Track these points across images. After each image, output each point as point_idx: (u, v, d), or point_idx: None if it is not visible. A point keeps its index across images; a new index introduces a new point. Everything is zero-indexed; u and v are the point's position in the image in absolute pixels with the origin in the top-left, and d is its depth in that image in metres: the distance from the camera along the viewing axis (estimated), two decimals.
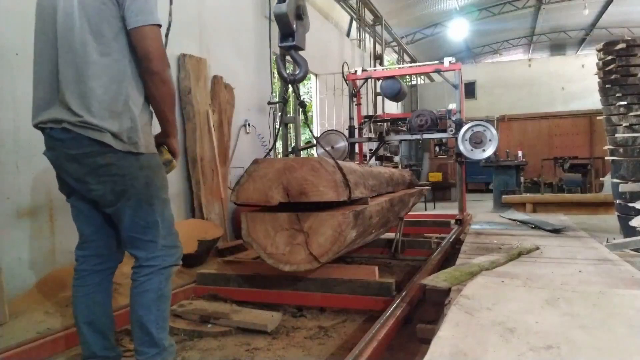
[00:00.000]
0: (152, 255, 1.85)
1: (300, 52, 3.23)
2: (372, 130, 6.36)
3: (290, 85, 3.27)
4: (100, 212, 1.90)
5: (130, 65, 1.77)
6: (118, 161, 1.74)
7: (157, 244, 1.87)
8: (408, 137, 5.98)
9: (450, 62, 5.64)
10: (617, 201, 4.83)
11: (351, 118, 6.24)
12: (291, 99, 6.65)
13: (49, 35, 1.77)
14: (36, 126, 1.81)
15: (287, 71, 3.37)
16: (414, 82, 14.91)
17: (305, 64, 3.21)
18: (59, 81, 1.72)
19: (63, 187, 1.94)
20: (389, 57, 15.65)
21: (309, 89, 10.47)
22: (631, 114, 4.59)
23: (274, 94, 6.66)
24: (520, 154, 9.92)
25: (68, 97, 1.70)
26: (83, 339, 1.91)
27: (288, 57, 3.41)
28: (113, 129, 1.71)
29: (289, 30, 2.90)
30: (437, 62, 5.88)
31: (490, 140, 5.14)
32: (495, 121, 13.46)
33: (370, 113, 8.78)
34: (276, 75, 6.80)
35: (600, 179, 10.53)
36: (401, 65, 14.35)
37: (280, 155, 6.79)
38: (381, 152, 7.42)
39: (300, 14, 3.03)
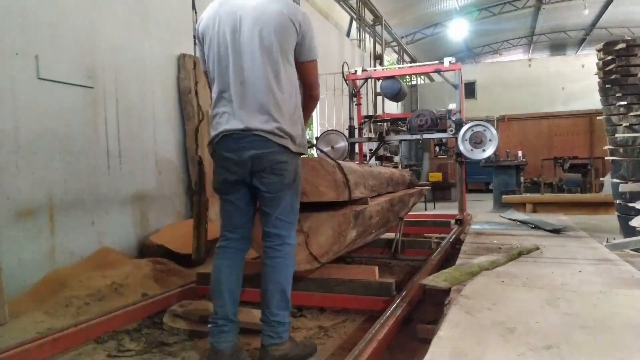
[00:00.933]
0: (292, 235, 2.17)
1: None
2: (372, 130, 6.35)
3: None
4: (253, 207, 2.25)
5: (297, 82, 2.18)
6: (292, 159, 2.12)
7: (294, 226, 2.20)
8: (408, 137, 5.97)
9: (450, 62, 5.63)
10: (617, 201, 4.83)
11: (351, 118, 6.24)
12: None
13: (228, 53, 2.07)
14: (222, 132, 2.08)
15: None
16: (414, 82, 14.91)
17: None
18: (249, 95, 2.04)
19: (225, 186, 2.19)
20: (389, 57, 15.65)
21: None
22: (631, 114, 4.59)
23: None
24: (520, 154, 9.90)
25: (257, 109, 2.03)
26: (222, 303, 2.17)
27: None
28: (292, 134, 2.08)
29: None
30: (437, 62, 5.87)
31: (490, 140, 5.13)
32: (495, 121, 13.47)
33: (370, 113, 8.79)
34: None
35: (600, 179, 10.53)
36: (401, 65, 14.35)
37: None
38: (381, 152, 7.41)
39: None
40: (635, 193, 4.38)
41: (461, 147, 5.23)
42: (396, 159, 9.33)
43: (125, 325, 2.66)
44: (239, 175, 2.11)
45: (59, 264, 3.46)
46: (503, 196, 8.00)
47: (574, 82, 17.82)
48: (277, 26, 2.04)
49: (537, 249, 3.02)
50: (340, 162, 2.78)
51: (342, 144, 5.91)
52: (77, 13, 3.74)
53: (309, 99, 2.30)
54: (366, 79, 6.28)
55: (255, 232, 2.76)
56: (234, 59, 2.06)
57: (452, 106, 6.08)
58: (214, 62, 2.12)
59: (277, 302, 2.11)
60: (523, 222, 4.33)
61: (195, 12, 4.41)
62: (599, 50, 4.92)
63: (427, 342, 1.59)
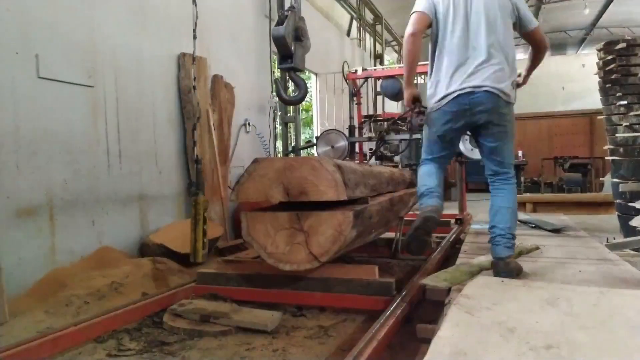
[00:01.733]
0: (512, 171, 2.60)
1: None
2: (372, 129, 6.35)
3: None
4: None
5: (510, 43, 2.61)
6: (509, 111, 2.56)
7: (513, 165, 2.63)
8: (408, 136, 5.97)
9: None
10: (617, 201, 4.83)
11: (351, 117, 6.24)
12: (292, 108, 6.66)
13: (463, 23, 2.55)
14: (454, 92, 2.51)
15: (290, 89, 3.38)
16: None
17: (304, 85, 3.24)
18: (483, 59, 2.49)
19: (447, 143, 2.68)
20: (389, 56, 15.65)
21: (309, 88, 10.46)
22: (631, 113, 4.59)
23: (274, 94, 6.66)
24: (520, 153, 9.91)
25: (488, 72, 2.48)
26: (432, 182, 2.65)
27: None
28: (510, 90, 2.52)
29: (287, 52, 2.91)
30: None
31: None
32: None
33: (371, 112, 8.78)
34: (276, 74, 6.79)
35: (600, 178, 10.53)
36: (401, 65, 14.32)
37: (280, 155, 6.80)
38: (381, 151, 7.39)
39: (299, 36, 3.02)
40: (635, 193, 4.39)
41: (461, 147, 5.22)
42: (396, 158, 9.32)
43: (125, 325, 2.66)
44: (463, 125, 2.56)
45: (59, 263, 3.46)
46: None
47: (574, 82, 17.77)
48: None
49: (537, 248, 3.02)
50: (340, 161, 2.78)
51: (342, 143, 5.91)
52: (77, 13, 3.74)
53: (542, 51, 2.94)
54: (366, 79, 6.28)
55: (255, 230, 2.76)
56: (465, 30, 2.54)
57: None
58: (449, 33, 2.57)
59: (512, 218, 2.51)
60: (523, 222, 4.33)
61: (196, 6, 4.44)
62: (599, 50, 4.92)
63: (427, 341, 1.59)
